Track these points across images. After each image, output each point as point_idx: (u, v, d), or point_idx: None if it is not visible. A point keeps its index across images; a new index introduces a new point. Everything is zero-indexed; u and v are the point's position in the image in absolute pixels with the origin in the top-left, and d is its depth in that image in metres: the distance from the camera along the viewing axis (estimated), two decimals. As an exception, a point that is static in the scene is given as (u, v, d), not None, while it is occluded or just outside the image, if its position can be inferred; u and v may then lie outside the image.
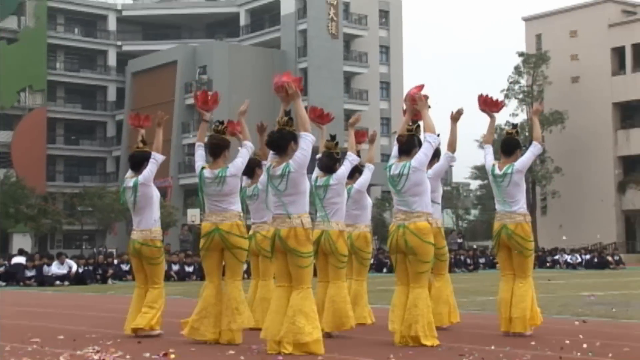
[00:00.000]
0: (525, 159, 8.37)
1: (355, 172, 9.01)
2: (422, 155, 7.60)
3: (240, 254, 7.96)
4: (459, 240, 36.11)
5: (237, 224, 7.95)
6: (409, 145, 7.77)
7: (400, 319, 7.54)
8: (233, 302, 7.82)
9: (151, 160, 8.46)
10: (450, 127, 8.70)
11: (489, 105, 8.70)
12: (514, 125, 8.78)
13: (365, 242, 9.08)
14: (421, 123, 8.01)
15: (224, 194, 7.90)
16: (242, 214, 8.12)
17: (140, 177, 8.44)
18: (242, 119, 8.26)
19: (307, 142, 7.01)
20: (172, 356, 6.81)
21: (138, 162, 8.58)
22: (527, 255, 8.34)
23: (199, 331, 7.84)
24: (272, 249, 7.25)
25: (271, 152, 7.35)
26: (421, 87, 8.20)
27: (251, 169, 8.88)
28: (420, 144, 7.78)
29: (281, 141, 7.17)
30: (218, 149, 8.00)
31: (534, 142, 8.48)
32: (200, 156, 8.09)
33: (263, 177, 8.12)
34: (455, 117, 8.65)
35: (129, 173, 8.67)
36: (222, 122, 8.19)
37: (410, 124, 8.06)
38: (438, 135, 7.81)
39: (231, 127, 8.52)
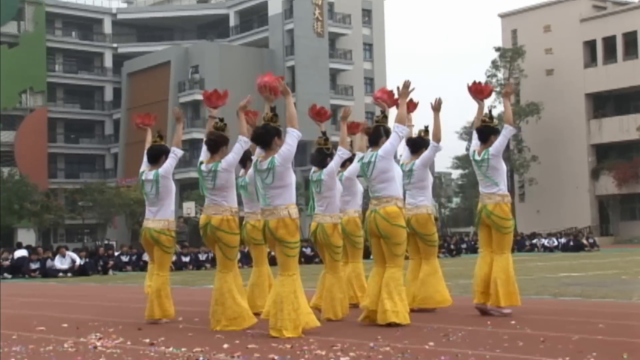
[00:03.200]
0: (497, 143, 8.37)
1: (347, 160, 9.10)
2: (389, 144, 7.67)
3: (225, 248, 7.87)
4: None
5: (227, 219, 7.87)
6: (375, 135, 7.85)
7: (374, 297, 7.64)
8: (216, 292, 7.79)
9: (171, 154, 8.52)
10: (433, 118, 8.71)
11: (477, 92, 8.70)
12: (490, 115, 8.77)
13: (355, 226, 9.16)
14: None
15: (217, 188, 7.88)
16: (235, 209, 8.02)
17: (161, 170, 8.48)
18: (242, 114, 8.20)
19: (292, 137, 7.06)
20: (170, 348, 6.80)
21: (156, 155, 8.62)
22: (504, 232, 8.35)
23: (220, 322, 7.70)
24: (265, 241, 7.41)
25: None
26: (388, 92, 8.46)
27: (243, 160, 8.90)
28: (387, 134, 7.80)
29: (266, 136, 7.21)
30: (215, 145, 7.97)
31: (505, 125, 8.48)
32: (204, 152, 8.09)
33: (251, 171, 8.17)
34: (436, 107, 8.64)
35: (146, 166, 8.66)
36: (222, 119, 8.19)
37: (380, 115, 8.16)
38: (413, 126, 7.89)
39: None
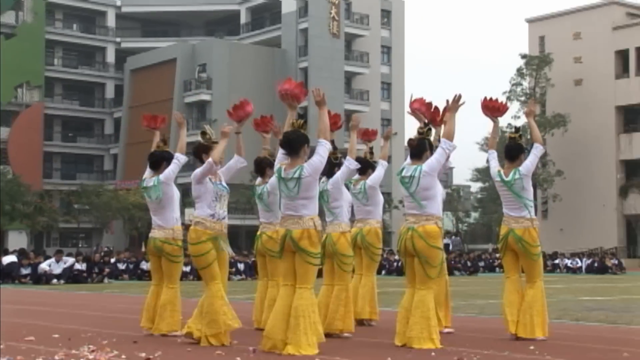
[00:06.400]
0: (529, 163, 8.35)
1: (369, 168, 9.17)
2: (434, 160, 7.70)
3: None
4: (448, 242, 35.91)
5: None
6: (419, 149, 7.84)
7: (406, 320, 7.63)
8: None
9: (174, 160, 8.62)
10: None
11: (491, 110, 8.61)
12: (517, 129, 8.73)
13: (376, 238, 9.32)
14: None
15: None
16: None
17: (162, 176, 8.60)
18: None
19: (324, 148, 7.14)
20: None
21: (157, 161, 8.77)
22: (535, 260, 8.35)
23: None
24: (281, 249, 7.34)
25: (281, 153, 7.44)
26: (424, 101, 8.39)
27: (262, 169, 9.00)
28: (431, 148, 7.84)
29: (296, 142, 7.27)
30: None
31: (535, 144, 8.47)
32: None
33: (273, 179, 8.22)
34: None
35: (148, 172, 8.83)
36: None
37: (423, 126, 8.09)
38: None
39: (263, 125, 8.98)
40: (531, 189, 8.45)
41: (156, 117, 9.35)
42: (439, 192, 7.90)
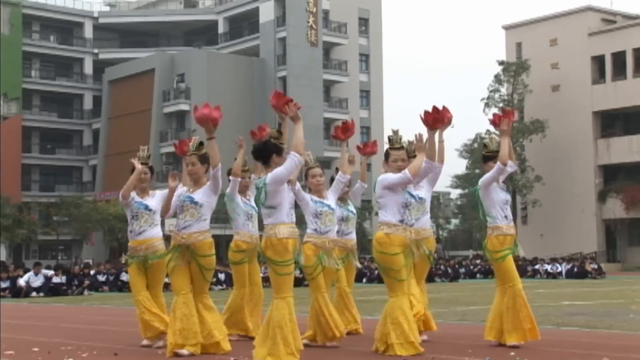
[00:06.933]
0: (487, 176, 8.49)
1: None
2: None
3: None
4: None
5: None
6: None
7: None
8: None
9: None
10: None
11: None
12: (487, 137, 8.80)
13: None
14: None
15: None
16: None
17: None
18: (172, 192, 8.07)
19: (291, 161, 7.09)
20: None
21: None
22: (498, 264, 8.43)
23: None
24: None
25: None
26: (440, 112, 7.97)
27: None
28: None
29: (264, 152, 7.34)
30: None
31: (498, 163, 8.46)
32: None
33: (253, 189, 8.32)
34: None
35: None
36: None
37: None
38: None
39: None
40: (493, 199, 8.48)
41: (184, 141, 8.84)
42: (392, 200, 7.71)
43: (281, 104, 7.21)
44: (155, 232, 8.74)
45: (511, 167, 8.52)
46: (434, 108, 7.86)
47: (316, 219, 8.35)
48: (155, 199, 8.76)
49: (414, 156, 7.84)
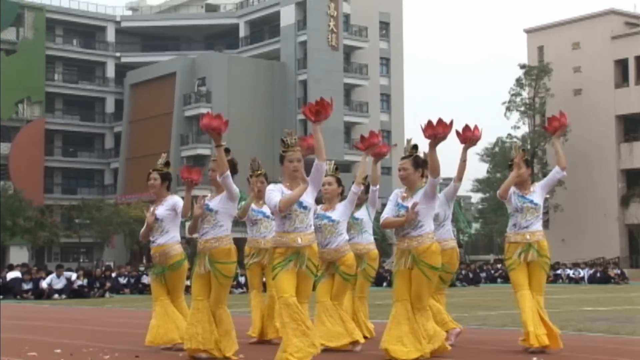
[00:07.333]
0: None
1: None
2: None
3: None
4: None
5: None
6: None
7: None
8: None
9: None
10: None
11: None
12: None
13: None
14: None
15: None
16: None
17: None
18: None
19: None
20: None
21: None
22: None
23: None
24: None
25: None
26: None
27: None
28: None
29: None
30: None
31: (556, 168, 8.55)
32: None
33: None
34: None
35: None
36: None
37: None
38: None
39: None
40: (509, 208, 8.45)
41: (188, 169, 8.79)
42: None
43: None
44: (166, 239, 8.65)
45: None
46: (467, 126, 8.02)
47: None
48: (163, 207, 8.70)
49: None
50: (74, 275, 24.91)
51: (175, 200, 8.66)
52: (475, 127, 8.09)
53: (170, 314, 8.63)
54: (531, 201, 8.30)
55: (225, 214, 7.76)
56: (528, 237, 8.22)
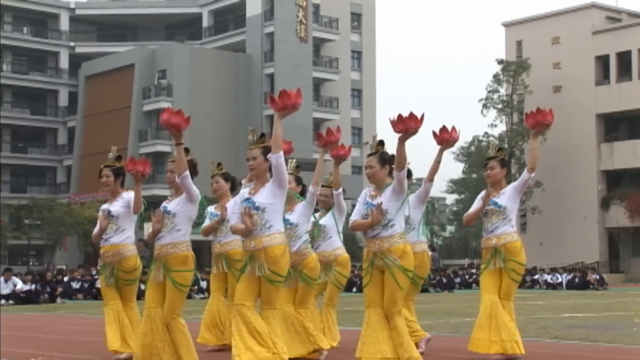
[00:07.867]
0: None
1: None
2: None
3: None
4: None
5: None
6: None
7: None
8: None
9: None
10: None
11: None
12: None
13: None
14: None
15: None
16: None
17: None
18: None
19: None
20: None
21: None
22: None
23: None
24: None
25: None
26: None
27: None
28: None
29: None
30: None
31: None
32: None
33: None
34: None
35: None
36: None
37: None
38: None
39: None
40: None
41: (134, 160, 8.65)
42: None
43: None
44: (121, 239, 8.55)
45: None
46: (444, 128, 8.20)
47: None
48: (118, 203, 8.61)
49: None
50: (19, 283, 24.52)
51: (131, 196, 8.48)
52: (453, 128, 8.20)
53: (120, 320, 8.52)
54: (495, 203, 8.32)
55: (184, 217, 7.51)
56: (494, 241, 8.32)
